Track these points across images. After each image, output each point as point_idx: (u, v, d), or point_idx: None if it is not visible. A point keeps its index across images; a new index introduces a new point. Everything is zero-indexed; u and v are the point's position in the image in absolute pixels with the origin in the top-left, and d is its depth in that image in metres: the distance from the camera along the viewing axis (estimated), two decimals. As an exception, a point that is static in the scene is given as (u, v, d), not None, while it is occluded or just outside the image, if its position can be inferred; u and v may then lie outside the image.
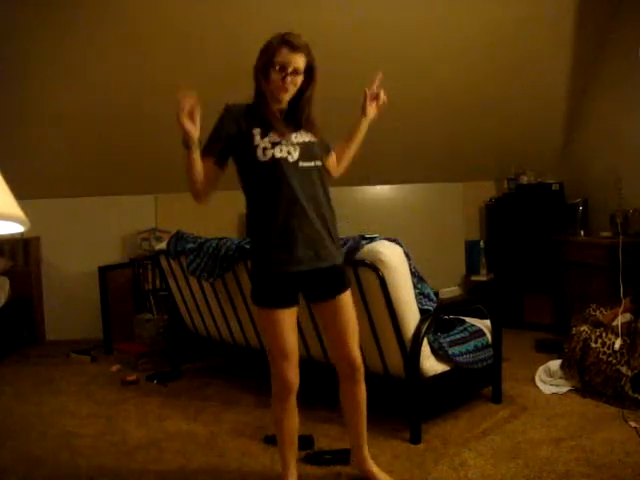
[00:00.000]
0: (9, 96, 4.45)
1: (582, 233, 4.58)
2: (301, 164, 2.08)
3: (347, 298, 2.22)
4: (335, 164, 2.40)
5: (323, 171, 2.19)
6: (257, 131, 2.06)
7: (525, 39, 4.46)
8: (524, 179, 5.15)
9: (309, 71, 2.11)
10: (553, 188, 4.97)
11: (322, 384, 3.28)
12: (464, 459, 2.55)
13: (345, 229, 2.68)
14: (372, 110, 2.38)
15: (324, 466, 2.55)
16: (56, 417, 3.31)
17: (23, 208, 1.01)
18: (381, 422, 2.94)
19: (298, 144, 2.10)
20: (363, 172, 5.08)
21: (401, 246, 2.82)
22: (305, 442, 2.70)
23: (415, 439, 2.72)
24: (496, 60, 4.57)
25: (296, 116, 2.14)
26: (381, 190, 5.58)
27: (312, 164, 2.12)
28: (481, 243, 5.45)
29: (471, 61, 4.59)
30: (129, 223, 5.28)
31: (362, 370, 2.26)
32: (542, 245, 4.89)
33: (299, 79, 2.07)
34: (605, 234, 4.23)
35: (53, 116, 4.64)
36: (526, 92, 4.81)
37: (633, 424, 2.78)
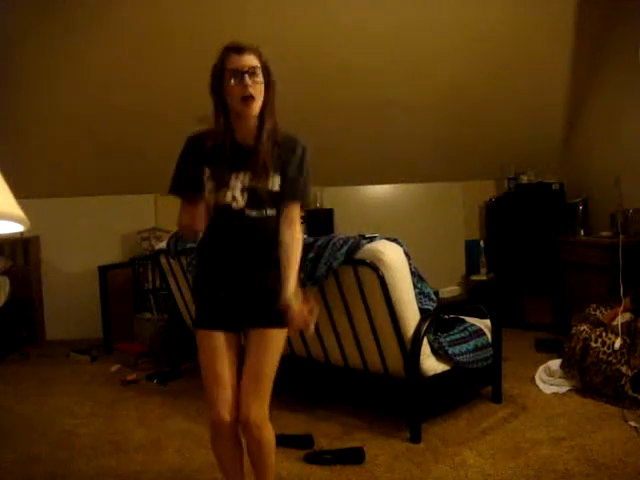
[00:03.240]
0: (9, 96, 4.45)
1: (582, 233, 4.58)
2: (247, 212, 1.80)
3: (274, 335, 1.85)
4: (288, 220, 1.86)
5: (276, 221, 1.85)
6: (207, 170, 1.82)
7: (525, 39, 4.46)
8: (524, 179, 5.16)
9: (265, 79, 1.78)
10: (553, 188, 4.98)
11: (322, 384, 3.28)
12: (464, 458, 2.55)
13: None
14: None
15: (324, 466, 2.54)
16: (56, 417, 3.30)
17: (23, 208, 1.01)
18: (381, 421, 2.95)
19: (247, 189, 1.79)
20: (363, 172, 5.10)
21: (401, 246, 2.83)
22: (305, 442, 2.71)
23: (415, 438, 2.72)
24: (496, 60, 4.57)
25: (257, 148, 1.78)
26: (381, 190, 5.57)
27: (260, 213, 1.81)
28: (481, 243, 5.45)
29: (471, 61, 4.58)
30: (129, 223, 5.28)
31: (258, 435, 1.90)
32: (542, 245, 4.89)
33: (259, 80, 1.75)
34: (605, 234, 4.22)
35: (53, 116, 4.64)
36: (526, 92, 4.81)
37: (633, 424, 2.78)
